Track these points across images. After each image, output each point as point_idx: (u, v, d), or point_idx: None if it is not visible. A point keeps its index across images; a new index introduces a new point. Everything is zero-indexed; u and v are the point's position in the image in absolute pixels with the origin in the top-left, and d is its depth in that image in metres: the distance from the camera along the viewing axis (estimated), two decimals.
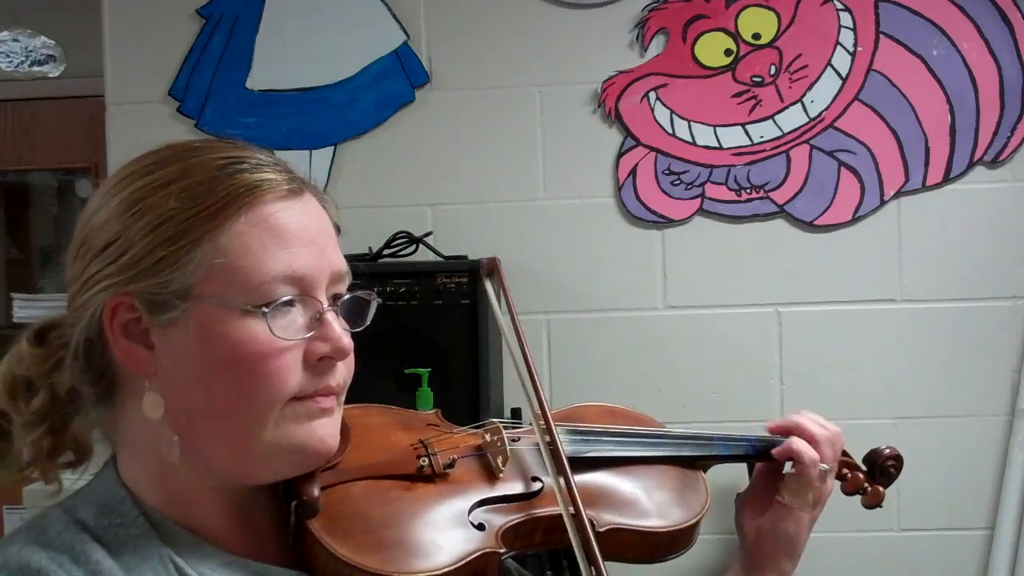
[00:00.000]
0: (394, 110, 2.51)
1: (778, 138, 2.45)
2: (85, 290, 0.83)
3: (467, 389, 2.11)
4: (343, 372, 0.87)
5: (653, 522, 1.00)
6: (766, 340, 2.47)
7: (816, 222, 2.45)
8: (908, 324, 2.44)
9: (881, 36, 2.42)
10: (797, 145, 2.44)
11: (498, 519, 0.93)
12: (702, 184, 2.46)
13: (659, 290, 2.49)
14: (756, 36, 2.45)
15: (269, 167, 0.85)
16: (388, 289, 2.11)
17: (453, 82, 2.51)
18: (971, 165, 2.42)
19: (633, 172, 2.47)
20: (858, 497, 1.16)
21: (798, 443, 1.07)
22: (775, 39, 2.44)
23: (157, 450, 0.83)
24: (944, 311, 2.43)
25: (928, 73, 2.42)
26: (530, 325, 2.42)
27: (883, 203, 2.44)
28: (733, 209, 2.46)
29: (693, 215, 2.47)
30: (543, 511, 0.95)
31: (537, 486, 0.97)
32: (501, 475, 0.96)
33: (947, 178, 2.43)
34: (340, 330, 0.85)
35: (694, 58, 2.46)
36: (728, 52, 2.45)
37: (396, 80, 2.51)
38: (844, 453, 1.13)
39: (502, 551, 0.91)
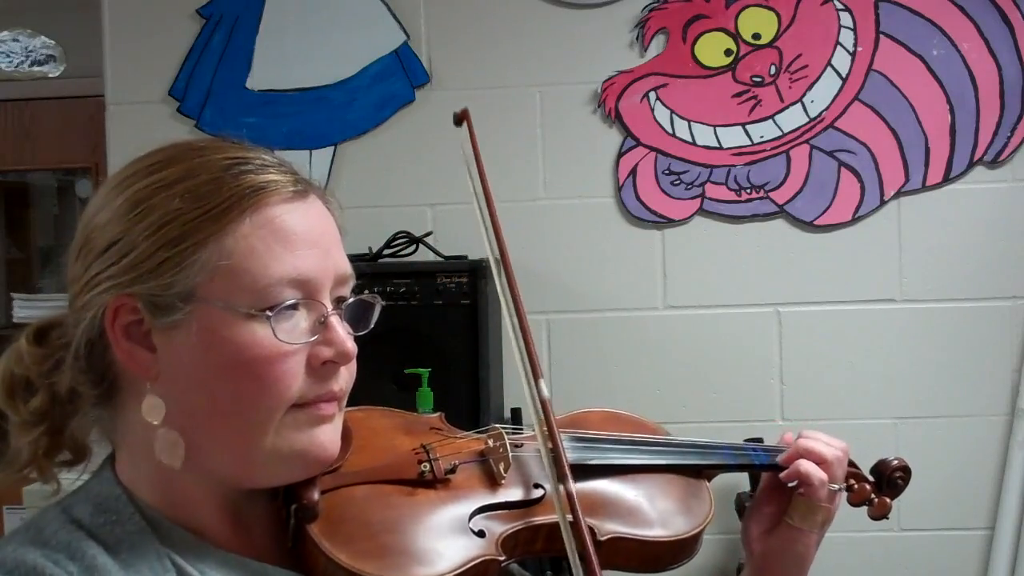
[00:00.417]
0: (394, 110, 2.51)
1: (778, 138, 2.45)
2: (87, 291, 0.82)
3: (467, 389, 2.12)
4: (345, 377, 0.86)
5: (656, 532, 0.98)
6: (766, 340, 2.47)
7: (816, 222, 2.45)
8: (908, 324, 2.44)
9: (881, 36, 2.42)
10: (797, 145, 2.44)
11: (498, 526, 0.92)
12: (702, 184, 2.46)
13: (659, 290, 2.49)
14: (756, 36, 2.45)
15: (274, 168, 0.85)
16: (388, 289, 2.11)
17: (453, 82, 2.50)
18: (971, 165, 2.42)
19: (633, 172, 2.47)
20: (864, 508, 1.14)
21: (806, 465, 1.03)
22: (775, 39, 2.44)
23: (156, 452, 0.82)
24: (944, 311, 2.43)
25: (928, 73, 2.41)
26: (530, 325, 2.41)
27: (883, 203, 2.44)
28: (733, 209, 2.46)
29: (693, 215, 2.47)
30: (543, 519, 0.94)
31: (538, 493, 0.96)
32: (503, 481, 0.95)
33: (947, 178, 2.43)
34: (344, 334, 0.84)
35: (694, 58, 2.46)
36: (728, 52, 2.45)
37: (396, 80, 2.51)
38: (851, 463, 1.10)
39: (502, 558, 0.90)
